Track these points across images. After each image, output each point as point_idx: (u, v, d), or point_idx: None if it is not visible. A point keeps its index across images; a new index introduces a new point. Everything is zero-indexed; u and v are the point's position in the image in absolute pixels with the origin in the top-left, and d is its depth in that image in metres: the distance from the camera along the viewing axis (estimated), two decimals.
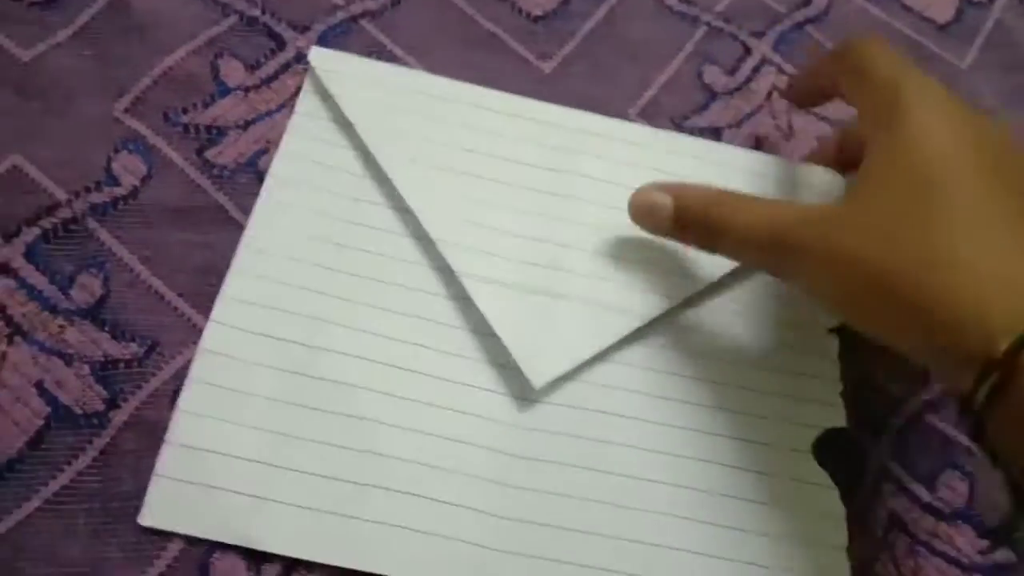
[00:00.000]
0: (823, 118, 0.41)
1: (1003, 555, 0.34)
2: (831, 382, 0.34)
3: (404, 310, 0.32)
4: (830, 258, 0.26)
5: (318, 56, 0.36)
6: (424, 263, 0.33)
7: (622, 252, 0.34)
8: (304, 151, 0.34)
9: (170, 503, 0.28)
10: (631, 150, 0.36)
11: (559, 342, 0.32)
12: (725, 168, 0.37)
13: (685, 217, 0.31)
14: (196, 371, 0.30)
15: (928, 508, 0.34)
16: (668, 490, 0.31)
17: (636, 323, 0.33)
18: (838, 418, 0.33)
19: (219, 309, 0.31)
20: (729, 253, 0.30)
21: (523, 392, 0.32)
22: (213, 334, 0.31)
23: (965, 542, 0.34)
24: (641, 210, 0.32)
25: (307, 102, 0.35)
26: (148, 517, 0.28)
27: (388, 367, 0.31)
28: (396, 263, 0.33)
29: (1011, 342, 0.23)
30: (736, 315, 0.35)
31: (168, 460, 0.29)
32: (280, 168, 0.34)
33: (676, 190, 0.31)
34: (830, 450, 0.33)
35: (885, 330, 0.26)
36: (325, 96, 0.35)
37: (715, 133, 0.39)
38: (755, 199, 0.30)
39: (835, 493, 0.32)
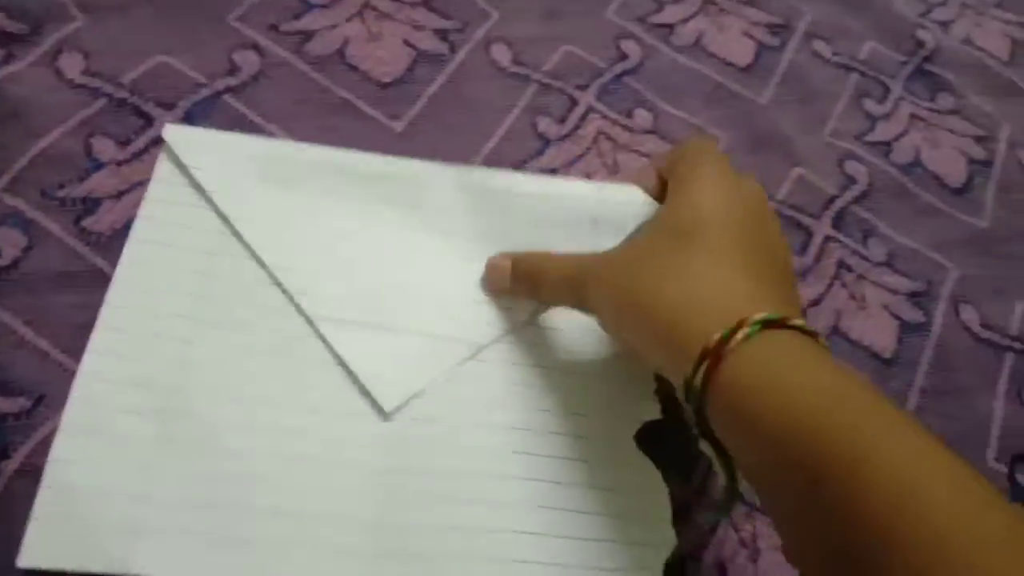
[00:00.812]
0: (644, 155, 0.47)
1: None
2: (646, 383, 0.38)
3: (265, 350, 0.35)
4: (605, 285, 0.34)
5: (171, 132, 0.39)
6: (282, 306, 0.36)
7: (459, 292, 0.38)
8: (161, 214, 0.37)
9: (48, 542, 0.30)
10: (469, 194, 0.41)
11: (405, 370, 0.36)
12: (552, 195, 0.41)
13: (517, 273, 0.38)
14: (67, 418, 0.32)
15: None
16: (515, 483, 0.35)
17: (471, 351, 0.37)
18: (654, 412, 0.38)
19: (87, 361, 0.33)
20: (547, 297, 0.38)
21: (380, 414, 0.35)
22: (81, 383, 0.33)
23: None
24: (490, 273, 0.39)
25: (163, 168, 0.38)
26: (26, 558, 0.29)
27: (252, 402, 0.34)
28: (255, 309, 0.36)
29: (720, 335, 0.29)
30: (561, 335, 0.39)
31: (43, 502, 0.30)
32: (140, 231, 0.37)
33: (513, 255, 0.38)
34: (650, 438, 0.37)
35: (636, 339, 0.33)
36: (180, 164, 0.38)
37: (551, 174, 0.44)
38: (568, 255, 0.37)
39: (658, 474, 0.36)
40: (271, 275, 0.37)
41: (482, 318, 0.38)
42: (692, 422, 0.30)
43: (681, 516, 0.36)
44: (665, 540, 0.35)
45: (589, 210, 0.41)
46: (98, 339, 0.34)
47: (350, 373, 0.35)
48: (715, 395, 0.29)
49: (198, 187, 0.38)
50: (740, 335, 0.28)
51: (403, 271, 0.38)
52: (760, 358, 0.28)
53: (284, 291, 0.37)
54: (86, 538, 0.30)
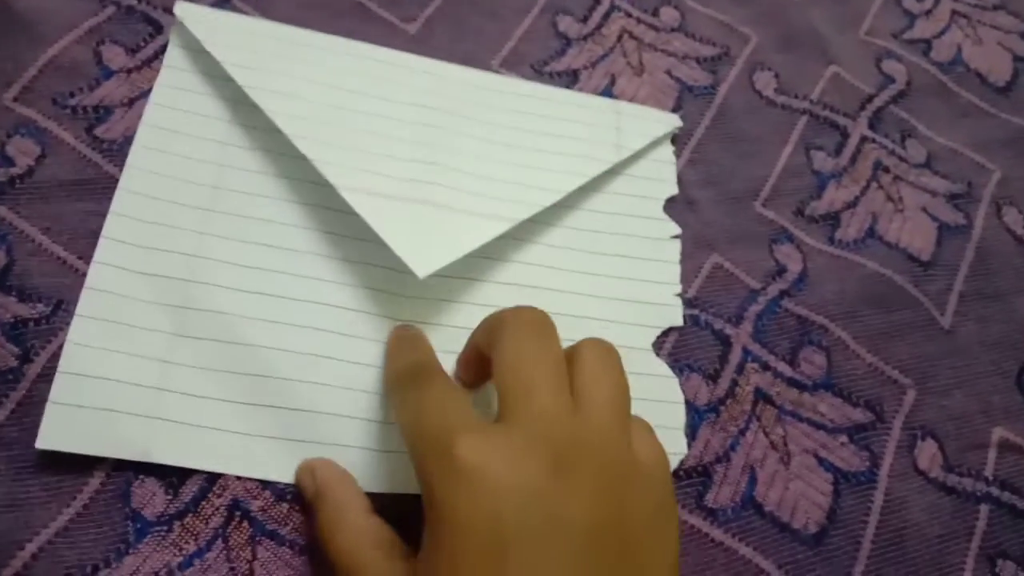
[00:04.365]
0: (671, 54, 0.45)
1: (863, 414, 0.38)
2: (671, 286, 0.38)
3: (277, 244, 0.35)
4: None
5: (183, 8, 0.38)
6: (298, 197, 0.36)
7: (486, 171, 0.37)
8: (173, 101, 0.37)
9: (65, 426, 0.30)
10: (487, 93, 0.40)
11: (439, 241, 0.34)
12: (566, 109, 0.41)
13: (316, 501, 0.30)
14: (82, 307, 0.32)
15: (791, 382, 0.38)
16: None
17: (506, 227, 0.36)
18: (676, 318, 0.37)
19: (100, 251, 0.33)
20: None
21: (396, 313, 0.35)
22: (96, 273, 0.33)
23: (828, 408, 0.37)
24: (297, 479, 0.32)
25: (174, 55, 0.38)
26: (44, 440, 0.30)
27: (264, 296, 0.34)
28: (268, 201, 0.36)
29: None
30: (582, 231, 0.38)
31: (60, 387, 0.30)
32: (151, 118, 0.36)
33: (321, 478, 0.31)
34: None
35: None
36: (191, 49, 0.38)
37: (572, 75, 0.43)
38: (367, 522, 0.29)
39: (675, 382, 0.36)
40: (286, 166, 0.36)
41: (516, 195, 0.37)
42: None
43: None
44: (679, 448, 0.35)
45: (611, 120, 0.41)
46: (111, 227, 0.34)
47: (368, 269, 0.35)
48: None
49: (208, 73, 0.37)
50: None
51: (428, 150, 0.37)
52: None
53: (299, 184, 0.36)
54: (103, 424, 0.30)
